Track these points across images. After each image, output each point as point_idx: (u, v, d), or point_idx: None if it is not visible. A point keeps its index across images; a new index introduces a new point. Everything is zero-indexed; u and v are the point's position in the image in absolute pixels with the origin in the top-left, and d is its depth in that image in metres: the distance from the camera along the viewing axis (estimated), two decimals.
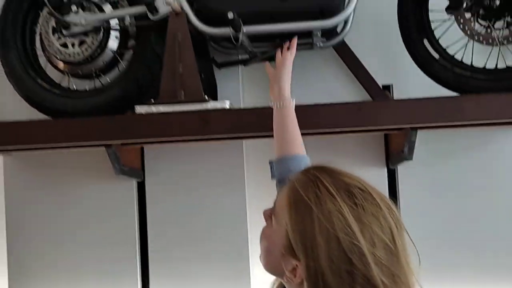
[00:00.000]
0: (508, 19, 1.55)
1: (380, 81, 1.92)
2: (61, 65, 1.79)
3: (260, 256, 0.93)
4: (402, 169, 1.92)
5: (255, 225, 1.65)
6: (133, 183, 2.02)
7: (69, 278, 2.01)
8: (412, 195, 1.89)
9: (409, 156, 1.68)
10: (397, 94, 1.92)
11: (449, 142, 1.85)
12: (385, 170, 1.94)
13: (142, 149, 2.01)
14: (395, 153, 1.85)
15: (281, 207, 0.85)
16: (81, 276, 2.00)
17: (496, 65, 1.61)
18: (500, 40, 1.57)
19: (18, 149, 1.83)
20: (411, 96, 1.75)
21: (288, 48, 1.52)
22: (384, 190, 1.91)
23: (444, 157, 1.86)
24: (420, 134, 1.69)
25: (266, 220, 0.93)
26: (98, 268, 1.98)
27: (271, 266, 0.89)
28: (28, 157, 2.01)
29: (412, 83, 1.84)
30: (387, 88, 1.93)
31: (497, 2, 1.50)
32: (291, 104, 1.39)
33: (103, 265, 1.98)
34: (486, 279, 1.84)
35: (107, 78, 1.81)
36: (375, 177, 1.90)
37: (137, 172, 1.98)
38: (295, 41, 1.53)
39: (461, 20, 1.62)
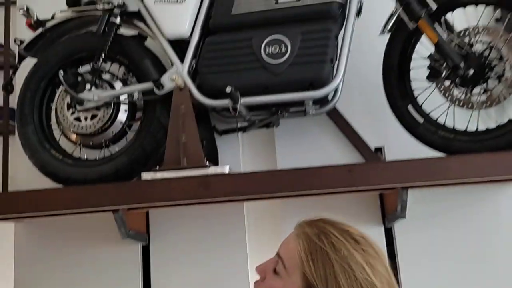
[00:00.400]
0: (484, 85, 1.69)
1: (373, 144, 2.04)
2: (73, 137, 1.94)
3: None
4: (398, 227, 1.98)
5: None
6: (138, 247, 2.08)
7: None
8: (409, 252, 1.94)
9: (402, 214, 1.75)
10: (389, 155, 2.03)
11: (440, 200, 1.93)
12: (382, 228, 2.01)
13: (147, 213, 2.10)
14: (390, 211, 1.92)
15: (294, 258, 0.94)
16: None
17: (477, 127, 1.72)
18: (478, 104, 1.69)
19: (30, 216, 1.93)
20: (403, 157, 1.84)
21: None
22: (383, 247, 1.95)
23: (437, 215, 1.93)
24: (414, 193, 1.79)
25: (265, 274, 1.00)
26: None
27: None
28: (39, 223, 2.11)
29: (404, 145, 1.93)
30: (379, 150, 2.04)
31: (471, 72, 1.64)
32: None
33: None
34: None
35: (115, 148, 1.94)
36: (373, 235, 1.97)
37: (142, 236, 2.05)
38: None
39: (442, 87, 1.76)
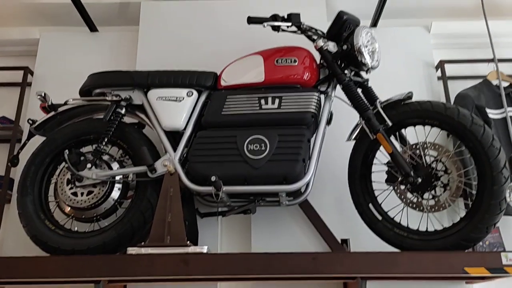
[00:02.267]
0: (433, 192, 1.96)
1: (339, 235, 2.26)
2: (67, 209, 2.11)
3: None
4: None
5: None
6: None
7: None
8: None
9: None
10: (354, 246, 2.23)
11: None
12: None
13: (125, 286, 2.21)
14: None
15: None
16: None
17: (427, 228, 1.96)
18: (427, 208, 1.95)
19: (15, 282, 2.03)
20: (367, 248, 2.05)
21: None
22: None
23: None
24: (374, 285, 1.97)
25: None
26: None
27: None
28: None
29: (369, 237, 2.12)
30: (345, 241, 2.25)
31: (419, 180, 1.92)
32: None
33: None
34: None
35: (105, 222, 2.12)
36: None
37: None
38: None
39: (398, 190, 2.03)
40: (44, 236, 2.02)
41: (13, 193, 2.44)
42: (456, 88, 2.62)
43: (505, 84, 2.54)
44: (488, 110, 2.46)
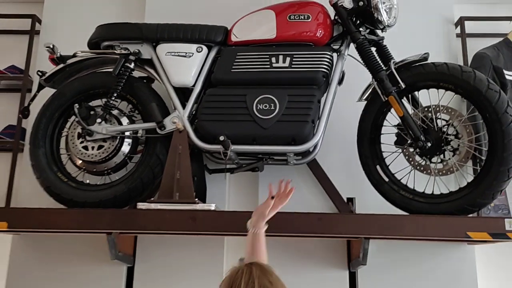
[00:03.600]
0: (442, 156, 1.96)
1: (345, 194, 2.29)
2: (79, 162, 2.15)
3: None
4: (361, 272, 2.21)
5: None
6: (123, 268, 2.27)
7: None
8: None
9: (363, 262, 1.97)
10: (359, 206, 2.27)
11: (397, 252, 2.18)
12: (347, 272, 2.23)
13: (135, 237, 2.30)
14: (354, 258, 2.15)
15: (224, 282, 1.24)
16: None
17: (433, 191, 1.98)
18: (435, 172, 1.95)
19: (32, 231, 2.12)
20: (372, 208, 2.09)
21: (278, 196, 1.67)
22: None
23: (393, 265, 2.17)
24: (375, 243, 2.02)
25: None
26: None
27: None
28: (35, 237, 2.30)
29: (374, 197, 2.14)
30: (351, 200, 2.29)
31: (429, 144, 1.91)
32: (263, 231, 1.64)
33: None
34: None
35: (115, 176, 2.16)
36: (338, 278, 2.21)
37: (129, 258, 2.25)
38: (291, 192, 1.67)
39: (406, 153, 2.02)
40: (57, 188, 2.08)
41: (25, 143, 2.48)
42: (474, 46, 2.53)
43: None
44: (506, 72, 2.39)
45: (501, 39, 2.52)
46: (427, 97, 2.00)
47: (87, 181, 2.16)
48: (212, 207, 1.91)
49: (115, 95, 2.10)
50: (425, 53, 1.96)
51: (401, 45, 2.20)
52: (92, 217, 1.91)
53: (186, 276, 2.22)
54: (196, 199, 1.92)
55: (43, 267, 2.27)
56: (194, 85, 2.09)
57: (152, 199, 1.96)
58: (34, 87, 2.45)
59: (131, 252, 2.28)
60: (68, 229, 1.92)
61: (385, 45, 2.09)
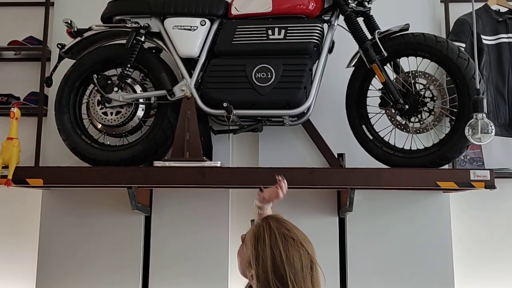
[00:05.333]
0: (419, 117, 2.22)
1: (336, 151, 2.57)
2: (99, 126, 2.43)
3: (238, 266, 1.50)
4: (349, 217, 2.53)
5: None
6: (142, 217, 2.61)
7: None
8: (356, 237, 2.51)
9: (349, 209, 2.27)
10: (348, 160, 2.55)
11: (380, 200, 2.49)
12: (337, 218, 2.56)
13: (151, 191, 2.61)
14: (343, 205, 2.46)
15: (248, 238, 1.46)
16: None
17: (410, 147, 2.25)
18: (413, 130, 2.22)
19: (61, 186, 2.44)
20: (360, 162, 2.37)
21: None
22: (336, 233, 2.53)
23: (376, 210, 2.50)
24: (360, 193, 2.33)
25: (242, 242, 1.51)
26: (109, 284, 2.51)
27: (242, 272, 1.47)
28: (62, 192, 2.61)
29: (361, 153, 2.41)
30: (341, 156, 2.57)
31: (407, 106, 2.17)
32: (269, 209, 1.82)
33: (113, 282, 2.51)
34: None
35: (132, 138, 2.45)
36: (329, 223, 2.54)
37: (146, 209, 2.57)
38: (284, 185, 1.76)
39: (389, 114, 2.28)
40: (82, 149, 2.37)
41: (48, 108, 2.75)
42: (457, 12, 2.71)
43: (503, 9, 2.63)
44: (483, 37, 2.59)
45: (481, 4, 2.70)
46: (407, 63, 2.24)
47: (108, 143, 2.46)
48: (218, 164, 2.20)
49: (128, 65, 2.34)
50: (405, 24, 2.17)
51: (388, 12, 2.41)
52: (115, 173, 2.21)
53: (196, 224, 2.55)
54: (204, 157, 2.21)
55: (72, 218, 2.60)
56: (199, 56, 2.32)
57: (166, 158, 2.26)
58: (53, 57, 2.70)
59: (148, 203, 2.60)
60: (96, 183, 2.23)
61: (372, 15, 2.29)
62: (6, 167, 2.24)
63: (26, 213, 2.77)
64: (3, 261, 2.74)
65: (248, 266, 1.38)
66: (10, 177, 2.21)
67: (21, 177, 2.23)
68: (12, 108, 2.34)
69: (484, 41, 2.58)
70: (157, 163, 2.21)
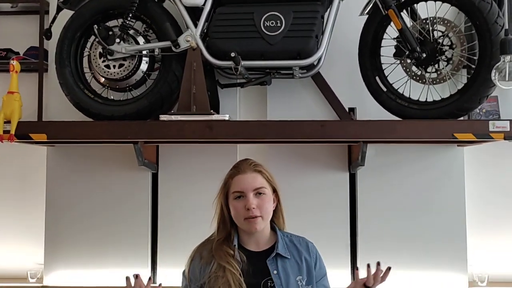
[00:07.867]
0: (436, 66, 2.11)
1: (347, 105, 2.48)
2: (102, 80, 2.35)
3: (261, 217, 1.49)
4: (360, 173, 2.48)
5: None
6: (149, 174, 2.57)
7: (94, 248, 2.54)
8: (367, 192, 2.47)
9: (361, 163, 2.22)
10: (360, 114, 2.47)
11: (393, 154, 2.43)
12: (348, 174, 2.50)
13: (157, 147, 2.56)
14: (354, 160, 2.40)
15: (264, 183, 1.51)
16: (103, 246, 2.53)
17: (426, 98, 2.16)
18: (429, 80, 2.12)
19: (65, 142, 2.38)
20: (371, 116, 2.29)
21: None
22: (346, 188, 2.49)
23: (388, 165, 2.44)
24: (373, 147, 2.26)
25: (257, 206, 1.48)
26: (117, 240, 2.51)
27: (270, 212, 1.52)
28: (67, 149, 2.57)
29: (373, 106, 2.32)
30: (352, 110, 2.49)
31: (424, 55, 2.06)
32: None
33: (121, 238, 2.51)
34: (419, 260, 2.41)
35: (137, 92, 2.36)
36: (340, 179, 2.49)
37: (153, 165, 2.53)
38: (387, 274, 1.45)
39: (404, 64, 2.18)
40: (85, 104, 2.29)
41: (49, 63, 2.66)
42: None
43: None
44: None
45: None
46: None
47: (111, 97, 2.38)
48: (226, 117, 2.12)
49: (130, 15, 2.23)
50: None
51: None
52: (121, 128, 2.15)
53: (203, 180, 2.49)
54: (212, 111, 2.14)
55: (78, 175, 2.57)
56: (204, 4, 2.20)
57: (172, 111, 2.18)
58: (51, 9, 2.58)
59: (155, 160, 2.56)
60: (101, 139, 2.17)
61: None
62: (8, 122, 2.18)
63: (32, 170, 2.75)
64: (13, 217, 2.75)
65: (272, 196, 1.56)
66: (13, 132, 2.15)
67: (24, 132, 2.17)
68: (11, 61, 2.26)
69: None
70: (163, 117, 2.14)
